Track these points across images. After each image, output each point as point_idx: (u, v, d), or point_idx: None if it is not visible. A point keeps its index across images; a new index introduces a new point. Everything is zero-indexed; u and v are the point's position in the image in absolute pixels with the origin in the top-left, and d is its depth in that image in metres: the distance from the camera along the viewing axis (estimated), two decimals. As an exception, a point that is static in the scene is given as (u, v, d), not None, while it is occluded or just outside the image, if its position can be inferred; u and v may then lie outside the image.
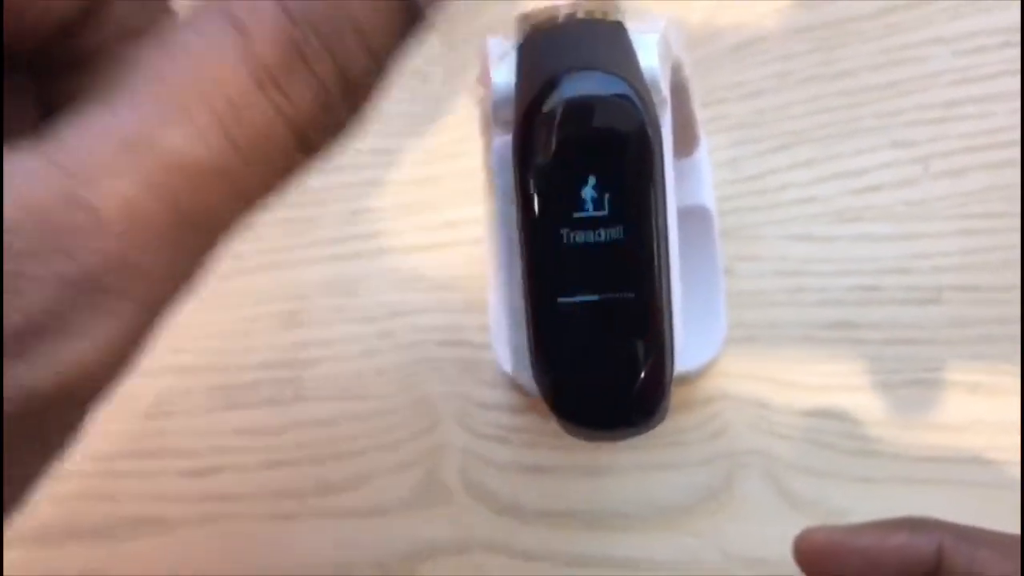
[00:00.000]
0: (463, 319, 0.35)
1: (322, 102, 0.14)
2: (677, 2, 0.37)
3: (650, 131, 0.17)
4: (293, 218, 0.36)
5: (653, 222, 0.17)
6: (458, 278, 0.35)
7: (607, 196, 0.17)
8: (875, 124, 0.35)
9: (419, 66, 0.38)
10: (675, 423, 0.33)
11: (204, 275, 0.15)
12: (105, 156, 0.13)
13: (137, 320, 0.14)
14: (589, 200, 0.17)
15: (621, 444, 0.33)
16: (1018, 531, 0.25)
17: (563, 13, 0.19)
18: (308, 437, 0.35)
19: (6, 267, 0.13)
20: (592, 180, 0.17)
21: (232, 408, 0.35)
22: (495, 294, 0.32)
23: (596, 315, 0.17)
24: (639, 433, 0.19)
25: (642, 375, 0.18)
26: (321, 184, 0.37)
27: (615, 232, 0.17)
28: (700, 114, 0.35)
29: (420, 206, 0.36)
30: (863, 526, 0.26)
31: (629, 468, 0.33)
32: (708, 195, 0.30)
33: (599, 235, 0.17)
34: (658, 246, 0.18)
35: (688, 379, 0.33)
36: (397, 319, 0.35)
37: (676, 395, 0.33)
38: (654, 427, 0.19)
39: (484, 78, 0.20)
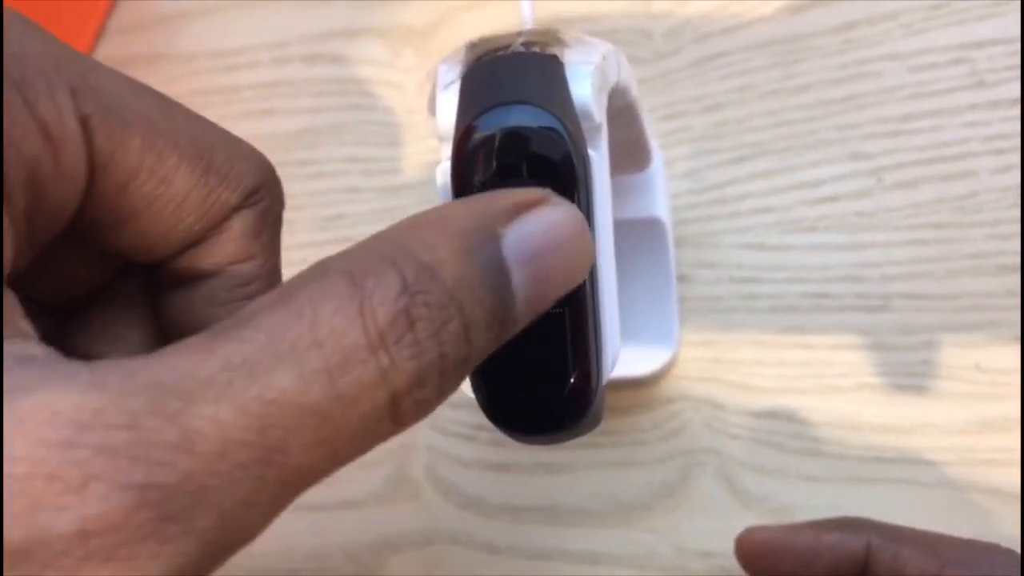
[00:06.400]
0: (433, 321, 0.36)
1: (420, 374, 0.15)
2: (639, 17, 0.38)
3: (575, 160, 0.18)
4: (271, 223, 0.38)
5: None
6: (429, 282, 0.37)
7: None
8: (833, 137, 0.36)
9: (394, 77, 0.40)
10: (635, 422, 0.35)
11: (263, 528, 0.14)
12: (206, 377, 0.13)
13: (191, 561, 0.13)
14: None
15: (583, 442, 0.35)
16: (953, 528, 0.26)
17: (507, 43, 0.21)
18: (283, 433, 0.36)
19: (75, 458, 0.12)
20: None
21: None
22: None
23: (526, 329, 0.19)
24: (573, 436, 0.20)
25: (571, 382, 0.19)
26: (299, 190, 0.38)
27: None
28: (659, 128, 0.36)
29: (393, 213, 0.38)
30: (800, 525, 0.28)
31: (590, 465, 0.35)
32: (662, 207, 0.32)
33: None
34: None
35: (644, 382, 0.34)
36: (369, 321, 0.37)
37: (637, 396, 0.35)
38: (588, 430, 0.21)
39: (432, 105, 0.21)
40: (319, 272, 0.15)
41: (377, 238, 0.16)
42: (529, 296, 0.16)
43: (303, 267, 0.16)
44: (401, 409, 0.15)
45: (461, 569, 0.34)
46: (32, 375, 0.13)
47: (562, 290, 0.17)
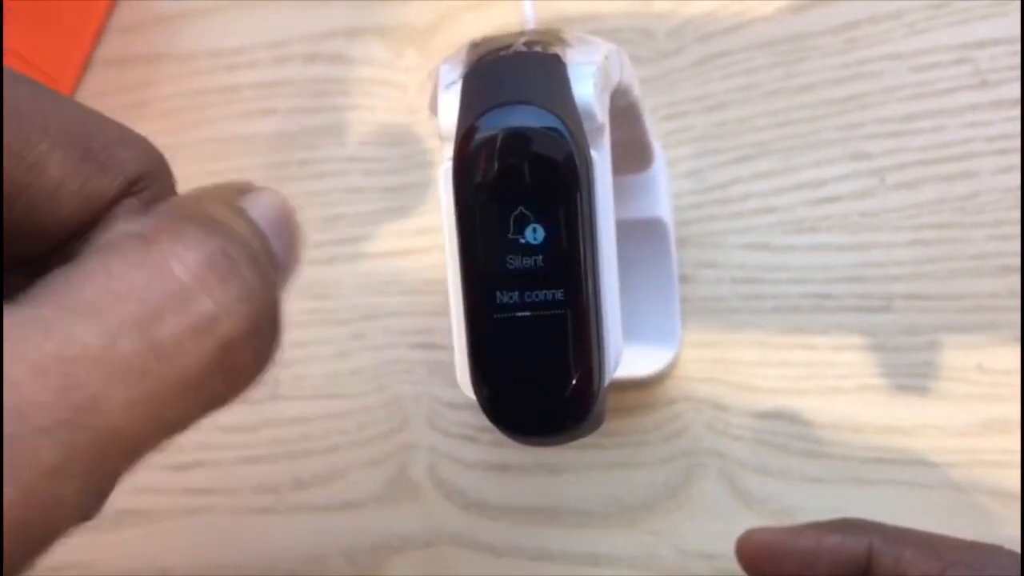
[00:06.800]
0: (434, 323, 0.36)
1: (256, 317, 0.14)
2: (642, 17, 0.38)
3: (577, 160, 0.18)
4: (272, 223, 0.38)
5: (580, 245, 0.19)
6: (430, 283, 0.37)
7: (536, 221, 0.18)
8: (835, 137, 0.36)
9: (395, 77, 0.39)
10: (637, 423, 0.35)
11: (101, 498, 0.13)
12: None
13: (13, 510, 0.12)
14: (519, 225, 0.18)
15: (585, 443, 0.35)
16: (954, 530, 0.26)
17: (509, 43, 0.21)
18: (284, 434, 0.36)
19: None
20: (522, 206, 0.18)
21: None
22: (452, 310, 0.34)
23: (528, 330, 0.19)
24: (575, 437, 0.20)
25: (572, 383, 0.19)
26: (299, 190, 0.38)
27: (543, 255, 0.18)
28: (661, 127, 0.36)
29: (394, 213, 0.38)
30: (801, 527, 0.27)
31: (592, 466, 0.35)
32: (665, 207, 0.31)
33: (527, 258, 0.18)
34: (585, 266, 0.19)
35: (647, 383, 0.34)
36: (370, 322, 0.37)
37: (639, 397, 0.34)
38: (589, 432, 0.21)
39: (433, 105, 0.21)
40: (99, 241, 0.14)
41: (149, 212, 0.15)
42: (283, 260, 0.16)
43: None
44: (236, 361, 0.14)
45: (463, 570, 0.34)
46: None
47: (296, 258, 0.17)
